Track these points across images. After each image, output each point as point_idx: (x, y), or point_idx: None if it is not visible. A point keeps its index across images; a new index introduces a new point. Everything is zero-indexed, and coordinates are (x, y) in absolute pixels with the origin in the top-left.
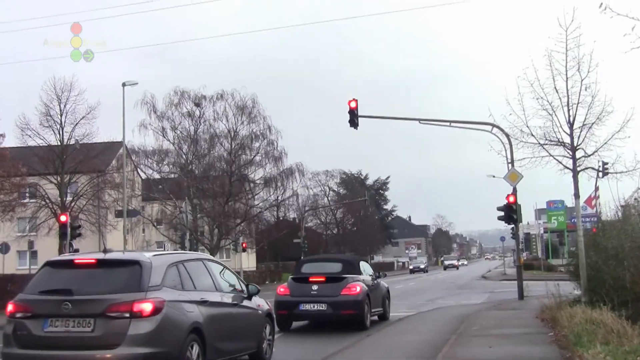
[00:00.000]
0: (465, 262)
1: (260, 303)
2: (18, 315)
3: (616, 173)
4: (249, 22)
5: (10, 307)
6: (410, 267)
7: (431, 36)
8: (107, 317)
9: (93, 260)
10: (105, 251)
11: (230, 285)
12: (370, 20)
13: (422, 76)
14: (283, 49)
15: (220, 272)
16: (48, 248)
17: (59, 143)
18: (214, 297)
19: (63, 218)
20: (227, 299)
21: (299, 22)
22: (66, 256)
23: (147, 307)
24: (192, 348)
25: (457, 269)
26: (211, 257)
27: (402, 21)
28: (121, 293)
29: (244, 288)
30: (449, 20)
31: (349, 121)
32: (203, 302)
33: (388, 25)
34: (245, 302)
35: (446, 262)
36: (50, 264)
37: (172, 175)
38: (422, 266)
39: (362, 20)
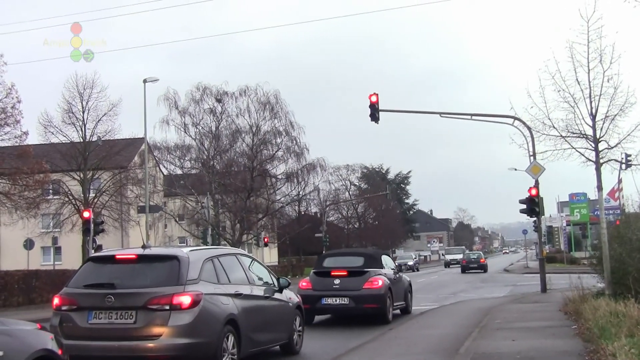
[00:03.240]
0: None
1: (291, 296)
2: (64, 307)
3: None
4: (273, 20)
5: (56, 301)
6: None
7: (452, 32)
8: (148, 309)
9: (133, 256)
10: (144, 247)
11: (262, 279)
12: (392, 16)
13: (444, 74)
14: (306, 46)
15: (252, 266)
16: (72, 244)
17: (82, 140)
18: (248, 290)
19: (86, 214)
20: (260, 291)
21: (322, 17)
22: (108, 252)
23: (185, 299)
24: (227, 339)
25: None
26: (244, 252)
27: (425, 17)
28: (161, 287)
29: (275, 281)
30: (470, 16)
31: (370, 115)
32: (237, 295)
33: (410, 22)
34: (277, 295)
35: (448, 257)
36: (93, 259)
37: (194, 171)
38: (410, 263)
39: (384, 16)
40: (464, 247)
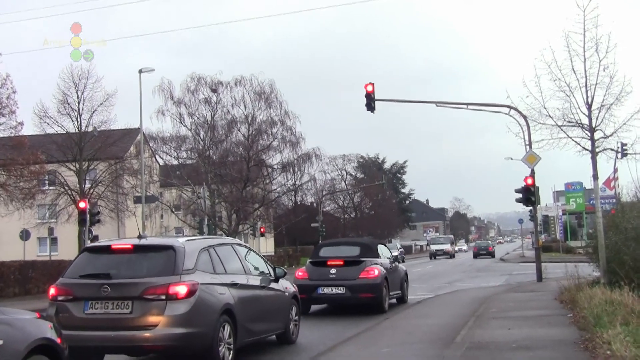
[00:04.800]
0: (465, 247)
1: (287, 285)
2: (60, 298)
3: (635, 154)
4: (272, 11)
5: (52, 291)
6: None
7: (449, 26)
8: (144, 299)
9: (129, 246)
10: (140, 237)
11: (259, 269)
12: (390, 9)
13: (442, 69)
14: (304, 38)
15: (248, 256)
16: (68, 235)
17: (77, 130)
18: (244, 279)
19: (82, 205)
20: (256, 281)
21: (318, 6)
22: (103, 242)
23: (181, 289)
24: (224, 329)
25: (452, 257)
26: (240, 242)
27: (423, 10)
28: (157, 277)
29: (271, 271)
30: (466, 9)
31: (366, 105)
32: (233, 285)
33: (407, 15)
34: (273, 285)
35: (434, 248)
36: (88, 249)
37: (190, 161)
38: (394, 253)
39: (382, 9)
40: (451, 236)
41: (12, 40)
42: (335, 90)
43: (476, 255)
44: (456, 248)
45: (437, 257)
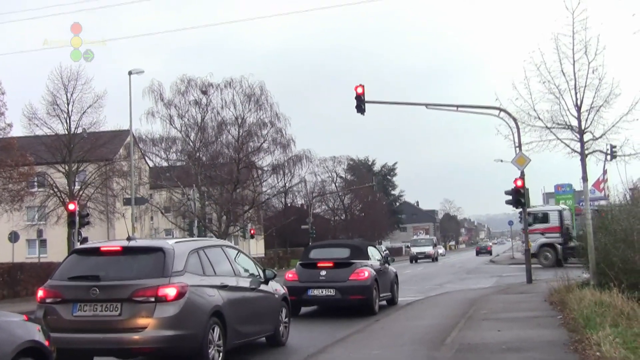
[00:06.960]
0: (441, 251)
1: (277, 287)
2: (48, 300)
3: (624, 156)
4: (265, 12)
5: (40, 293)
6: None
7: (439, 29)
8: (133, 301)
9: (118, 248)
10: (129, 239)
11: (248, 271)
12: (379, 14)
13: (430, 72)
14: (295, 39)
15: (238, 258)
16: (57, 237)
17: (67, 132)
18: (233, 281)
19: (71, 207)
20: (246, 283)
21: (311, 8)
22: (92, 244)
23: (171, 291)
24: (213, 331)
25: (435, 260)
26: (229, 244)
27: (412, 14)
28: (146, 279)
29: (261, 273)
30: (456, 12)
31: (356, 107)
32: (223, 287)
33: (397, 19)
34: (263, 287)
35: (415, 250)
36: (77, 251)
37: (180, 163)
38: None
39: (372, 14)
40: (434, 237)
41: (12, 40)
42: (325, 92)
43: (478, 253)
44: (437, 251)
45: (418, 261)
